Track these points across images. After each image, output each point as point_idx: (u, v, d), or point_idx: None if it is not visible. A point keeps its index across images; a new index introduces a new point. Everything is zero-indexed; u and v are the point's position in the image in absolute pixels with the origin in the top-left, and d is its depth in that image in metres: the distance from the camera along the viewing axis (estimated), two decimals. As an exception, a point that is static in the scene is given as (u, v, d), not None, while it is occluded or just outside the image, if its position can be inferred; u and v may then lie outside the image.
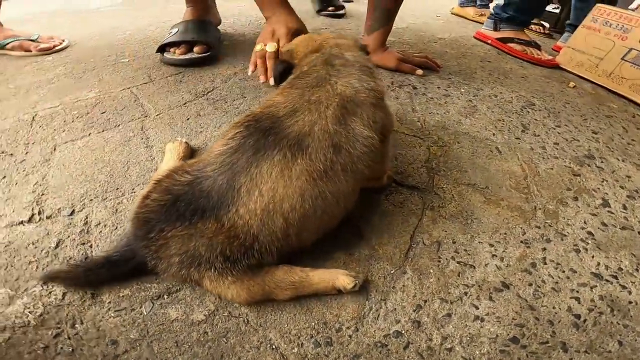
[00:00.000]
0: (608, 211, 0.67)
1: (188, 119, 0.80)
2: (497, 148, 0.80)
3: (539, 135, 0.87)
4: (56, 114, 0.82)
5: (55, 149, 0.71)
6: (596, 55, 1.32)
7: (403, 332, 0.46)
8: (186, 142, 0.69)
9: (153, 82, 0.96)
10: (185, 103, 0.87)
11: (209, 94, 0.92)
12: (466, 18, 2.00)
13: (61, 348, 0.41)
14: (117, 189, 0.61)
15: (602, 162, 0.81)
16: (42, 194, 0.60)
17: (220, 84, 0.96)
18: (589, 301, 0.51)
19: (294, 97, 0.50)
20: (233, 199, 0.42)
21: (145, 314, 0.45)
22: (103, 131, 0.76)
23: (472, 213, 0.63)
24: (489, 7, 2.04)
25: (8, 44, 1.14)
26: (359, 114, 0.50)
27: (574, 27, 1.55)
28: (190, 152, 0.69)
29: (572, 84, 1.23)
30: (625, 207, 0.69)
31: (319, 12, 1.79)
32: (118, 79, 0.98)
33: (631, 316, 0.50)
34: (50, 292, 0.46)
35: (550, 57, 1.41)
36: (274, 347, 0.43)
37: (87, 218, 0.56)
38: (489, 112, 0.94)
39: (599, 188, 0.72)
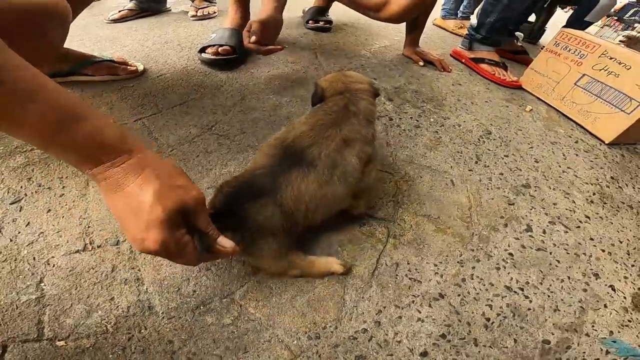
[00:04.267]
0: (529, 235, 0.93)
1: (198, 155, 1.01)
2: (452, 181, 1.05)
3: (488, 166, 1.13)
4: (79, 146, 1.01)
5: (88, 184, 0.90)
6: (554, 78, 1.57)
7: (368, 329, 0.70)
8: None
9: (161, 113, 1.16)
10: (193, 138, 1.07)
11: (213, 128, 1.12)
12: (447, 30, 2.24)
13: (135, 348, 0.64)
14: (151, 222, 0.83)
15: (535, 190, 1.08)
16: (89, 227, 0.81)
17: (222, 117, 1.17)
18: (498, 308, 0.77)
19: (317, 131, 0.76)
20: (279, 189, 0.68)
21: (189, 320, 0.68)
22: (127, 166, 0.96)
23: (424, 239, 0.88)
24: (469, 19, 2.28)
25: (90, 65, 1.24)
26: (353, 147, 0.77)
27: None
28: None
29: (528, 107, 1.50)
30: (544, 232, 0.95)
31: (307, 22, 1.98)
32: (128, 107, 1.16)
33: (527, 320, 0.75)
34: (117, 306, 0.68)
35: (514, 79, 1.67)
36: (280, 340, 0.67)
37: (131, 247, 0.78)
38: (451, 144, 1.20)
39: (526, 215, 0.99)
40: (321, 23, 1.95)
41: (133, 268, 0.75)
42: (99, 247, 0.78)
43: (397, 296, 0.76)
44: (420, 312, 0.74)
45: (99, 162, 0.47)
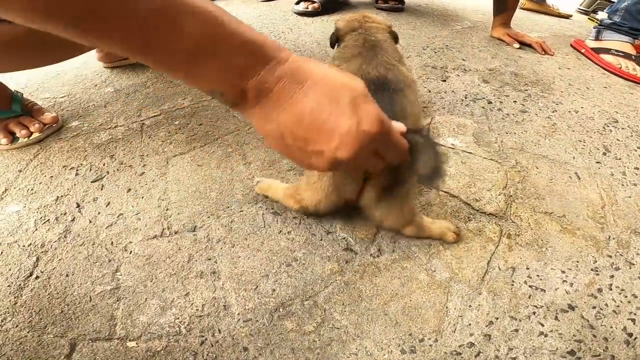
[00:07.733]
0: (683, 242, 0.72)
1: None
2: (576, 173, 0.87)
3: (620, 159, 0.92)
4: (160, 124, 0.99)
5: (167, 162, 0.87)
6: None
7: (475, 343, 0.57)
8: None
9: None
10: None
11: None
12: (539, 12, 1.97)
13: (207, 354, 0.55)
14: (228, 207, 0.76)
15: (685, 189, 0.84)
16: (167, 209, 0.76)
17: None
18: (643, 322, 0.60)
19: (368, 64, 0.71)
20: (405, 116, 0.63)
21: (267, 324, 0.59)
22: (205, 145, 0.92)
23: (547, 241, 0.72)
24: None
25: None
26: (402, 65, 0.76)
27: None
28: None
29: (661, 95, 1.22)
30: (702, 239, 0.73)
31: (377, 1, 1.85)
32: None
33: (679, 336, 0.57)
34: (192, 304, 0.61)
35: None
36: (369, 353, 0.56)
37: (208, 235, 0.71)
38: (569, 132, 1.00)
39: (678, 219, 0.77)
40: (391, 3, 1.81)
41: (209, 259, 0.68)
42: (176, 233, 0.72)
43: (513, 306, 0.62)
44: (543, 325, 0.59)
45: (254, 70, 0.38)
